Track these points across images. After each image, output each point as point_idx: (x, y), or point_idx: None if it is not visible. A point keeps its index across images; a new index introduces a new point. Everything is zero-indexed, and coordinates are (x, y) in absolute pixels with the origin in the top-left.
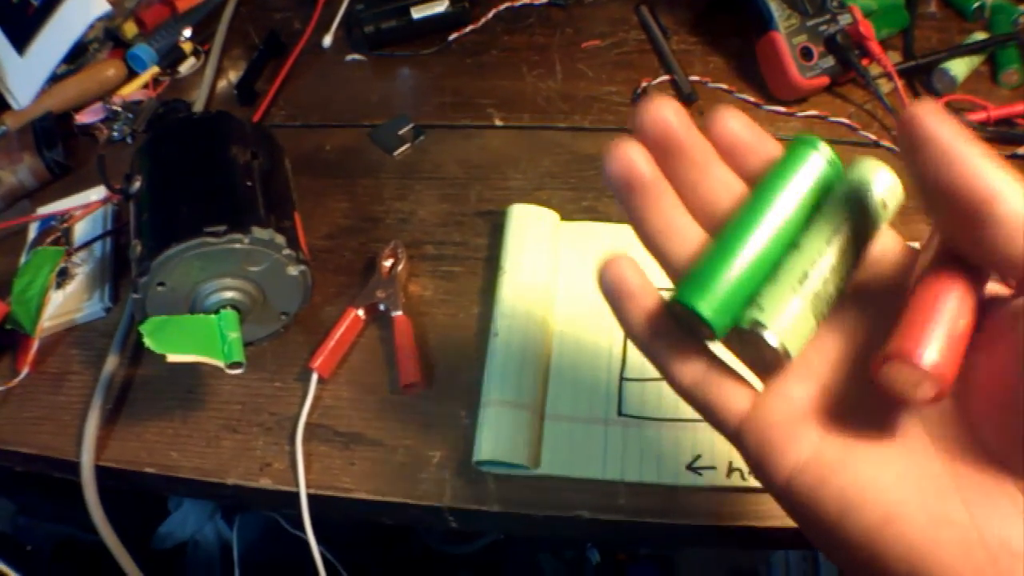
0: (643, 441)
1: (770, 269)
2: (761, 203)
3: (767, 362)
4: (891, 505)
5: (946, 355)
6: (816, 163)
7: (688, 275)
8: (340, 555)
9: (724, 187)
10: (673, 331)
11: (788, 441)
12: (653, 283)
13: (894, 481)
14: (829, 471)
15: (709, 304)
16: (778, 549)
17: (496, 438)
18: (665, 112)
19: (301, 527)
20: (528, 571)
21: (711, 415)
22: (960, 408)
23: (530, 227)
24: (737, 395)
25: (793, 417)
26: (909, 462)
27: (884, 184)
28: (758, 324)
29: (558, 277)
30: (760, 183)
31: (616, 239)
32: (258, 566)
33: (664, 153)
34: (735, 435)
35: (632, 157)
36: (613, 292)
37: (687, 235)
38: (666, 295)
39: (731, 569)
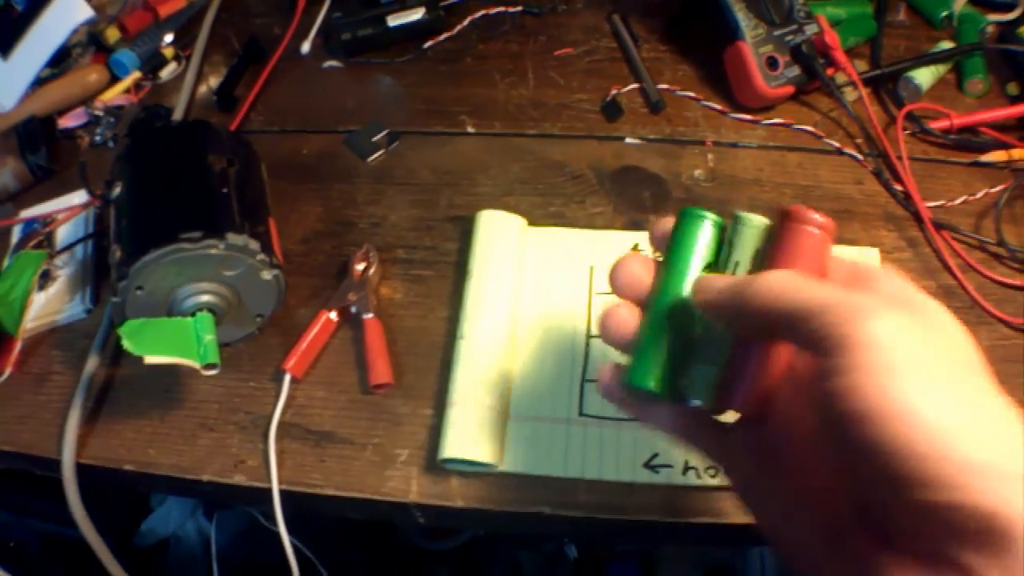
0: (603, 440)
1: (690, 334)
2: (672, 282)
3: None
4: None
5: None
6: (707, 231)
7: (634, 362)
8: (321, 551)
9: None
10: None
11: None
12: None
13: None
14: None
15: (656, 382)
16: (732, 547)
17: (461, 437)
18: (631, 267)
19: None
20: (507, 567)
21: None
22: None
23: (497, 233)
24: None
25: None
26: None
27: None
28: (688, 398)
29: (524, 281)
30: (667, 259)
31: (580, 244)
32: (237, 563)
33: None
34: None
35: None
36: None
37: None
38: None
39: (708, 565)
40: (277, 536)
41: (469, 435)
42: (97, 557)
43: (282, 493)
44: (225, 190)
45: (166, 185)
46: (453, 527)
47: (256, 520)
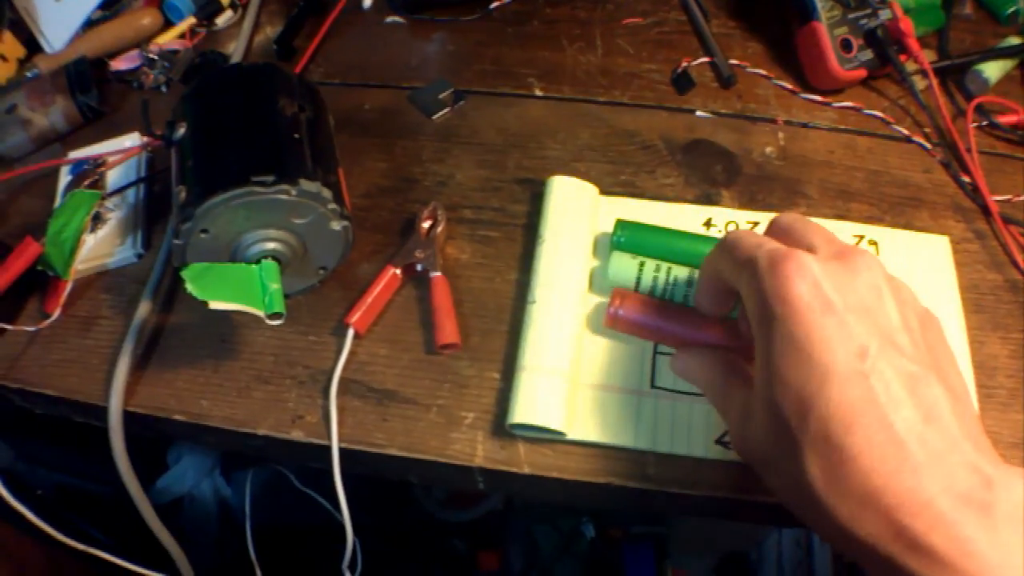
0: (675, 413)
1: None
2: None
3: None
4: None
5: None
6: None
7: None
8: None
9: None
10: None
11: None
12: None
13: None
14: None
15: None
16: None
17: (531, 402)
18: None
19: (312, 484)
20: (524, 542)
21: None
22: None
23: (570, 200)
24: None
25: None
26: None
27: None
28: None
29: (596, 250)
30: None
31: (652, 216)
32: (260, 521)
33: None
34: None
35: None
36: None
37: None
38: None
39: (723, 552)
40: (301, 495)
41: (539, 401)
42: (116, 509)
43: (342, 451)
44: (297, 135)
45: (236, 127)
46: (515, 494)
47: (275, 482)
